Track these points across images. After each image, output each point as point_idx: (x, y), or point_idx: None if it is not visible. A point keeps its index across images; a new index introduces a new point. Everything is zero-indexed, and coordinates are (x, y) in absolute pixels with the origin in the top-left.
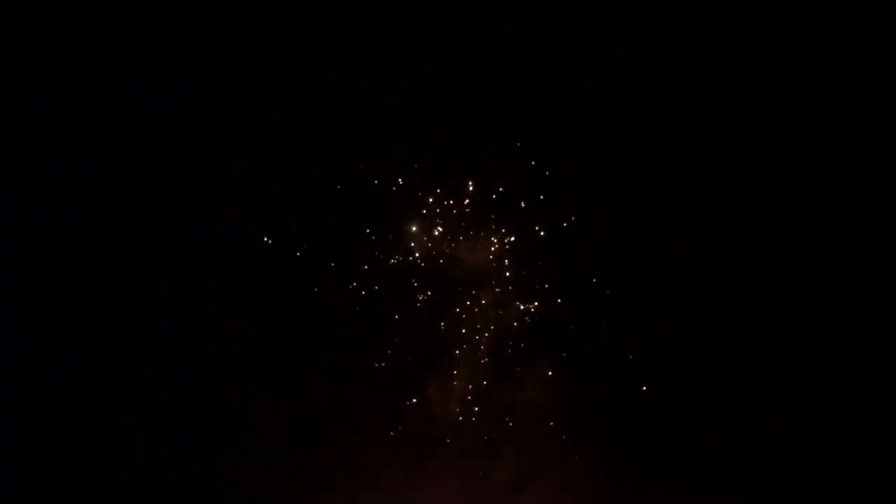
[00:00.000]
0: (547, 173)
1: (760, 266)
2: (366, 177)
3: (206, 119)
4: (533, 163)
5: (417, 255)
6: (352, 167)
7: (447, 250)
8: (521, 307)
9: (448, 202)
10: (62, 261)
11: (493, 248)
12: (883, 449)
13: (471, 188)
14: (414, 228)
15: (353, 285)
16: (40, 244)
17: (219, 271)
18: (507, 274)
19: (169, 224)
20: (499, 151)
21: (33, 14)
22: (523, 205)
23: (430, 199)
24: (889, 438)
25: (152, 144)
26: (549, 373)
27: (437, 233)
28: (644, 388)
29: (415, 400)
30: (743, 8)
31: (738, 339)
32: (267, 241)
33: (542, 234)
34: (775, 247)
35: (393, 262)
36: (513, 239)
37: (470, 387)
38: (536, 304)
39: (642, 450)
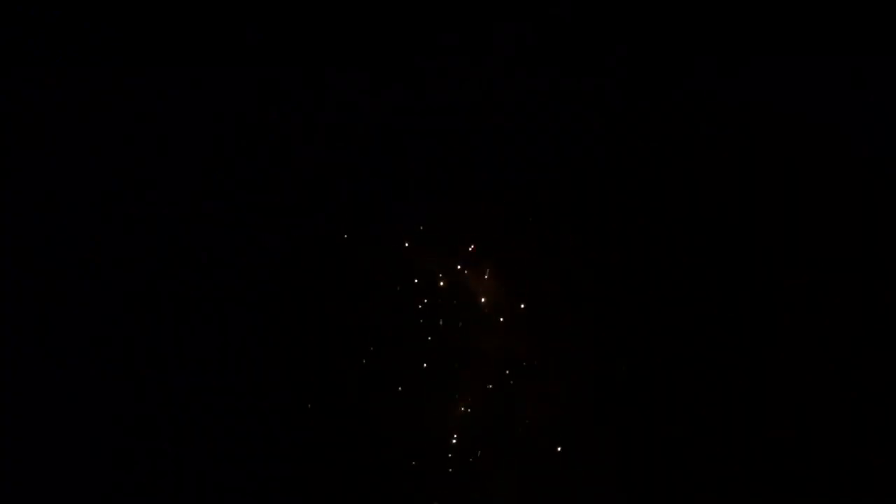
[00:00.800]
0: (546, 174)
1: (760, 266)
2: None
3: (206, 119)
4: (533, 165)
5: (417, 279)
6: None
7: (449, 271)
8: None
9: (450, 220)
10: (62, 261)
11: (495, 264)
12: (883, 449)
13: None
14: (414, 247)
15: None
16: (40, 244)
17: (219, 272)
18: (509, 290)
19: (169, 224)
20: (500, 158)
21: (33, 14)
22: (524, 207)
23: (431, 215)
24: (889, 438)
25: (152, 144)
26: (554, 394)
27: (438, 252)
28: (643, 395)
29: (417, 428)
30: (743, 8)
31: (738, 338)
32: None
33: (543, 236)
34: (775, 247)
35: (393, 284)
36: (514, 248)
37: (472, 414)
38: (536, 307)
39: (642, 453)
